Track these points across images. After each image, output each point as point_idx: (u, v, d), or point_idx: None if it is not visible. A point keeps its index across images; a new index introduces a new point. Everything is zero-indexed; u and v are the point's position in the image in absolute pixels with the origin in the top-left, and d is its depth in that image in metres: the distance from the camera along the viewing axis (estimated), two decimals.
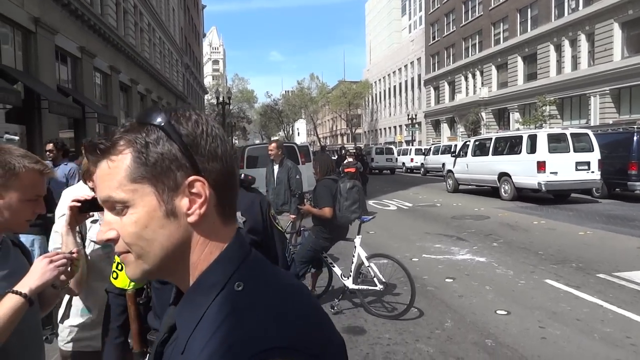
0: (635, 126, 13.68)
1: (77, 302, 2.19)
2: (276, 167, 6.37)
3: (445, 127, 45.80)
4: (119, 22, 19.42)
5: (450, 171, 17.38)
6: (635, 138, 12.81)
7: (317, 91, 72.52)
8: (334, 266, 5.08)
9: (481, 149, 15.79)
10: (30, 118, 11.44)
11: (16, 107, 10.36)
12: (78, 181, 6.51)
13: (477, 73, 39.71)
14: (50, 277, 1.34)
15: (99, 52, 16.32)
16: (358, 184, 4.91)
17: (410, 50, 56.56)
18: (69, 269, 1.44)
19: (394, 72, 62.87)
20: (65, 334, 2.21)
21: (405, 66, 58.46)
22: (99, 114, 14.46)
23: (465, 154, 16.43)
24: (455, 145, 21.39)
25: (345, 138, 79.11)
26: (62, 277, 1.44)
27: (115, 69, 18.18)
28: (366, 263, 4.82)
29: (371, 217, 5.00)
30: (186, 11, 41.61)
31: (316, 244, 4.83)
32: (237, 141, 70.01)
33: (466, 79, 41.91)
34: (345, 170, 9.46)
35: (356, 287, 4.88)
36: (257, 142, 42.06)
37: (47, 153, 5.58)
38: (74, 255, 1.46)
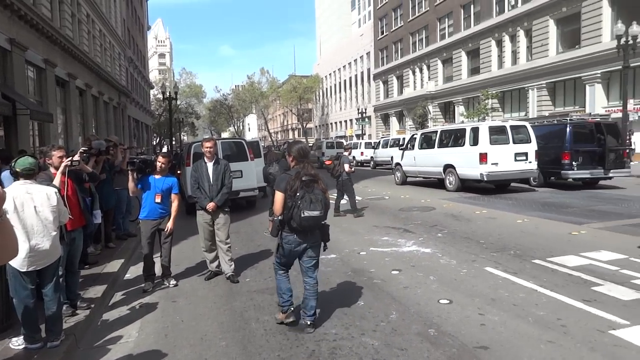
0: (568, 118, 14.51)
1: None
2: (210, 165, 6.16)
3: (394, 121, 46.69)
4: (53, 13, 18.29)
5: (398, 164, 17.72)
6: (568, 129, 13.60)
7: (268, 86, 71.84)
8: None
9: (427, 142, 16.19)
10: None
11: None
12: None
13: (424, 67, 40.69)
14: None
15: (32, 45, 15.32)
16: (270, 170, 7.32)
17: (359, 44, 57.11)
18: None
19: (344, 67, 63.30)
20: None
21: (355, 60, 59.00)
22: (32, 110, 13.57)
23: (413, 147, 16.79)
24: (404, 139, 21.83)
25: (296, 133, 78.95)
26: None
27: (50, 63, 17.14)
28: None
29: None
30: (129, 2, 39.91)
31: None
32: (185, 137, 68.14)
33: (414, 73, 42.85)
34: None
35: None
36: (206, 137, 40.84)
37: None
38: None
